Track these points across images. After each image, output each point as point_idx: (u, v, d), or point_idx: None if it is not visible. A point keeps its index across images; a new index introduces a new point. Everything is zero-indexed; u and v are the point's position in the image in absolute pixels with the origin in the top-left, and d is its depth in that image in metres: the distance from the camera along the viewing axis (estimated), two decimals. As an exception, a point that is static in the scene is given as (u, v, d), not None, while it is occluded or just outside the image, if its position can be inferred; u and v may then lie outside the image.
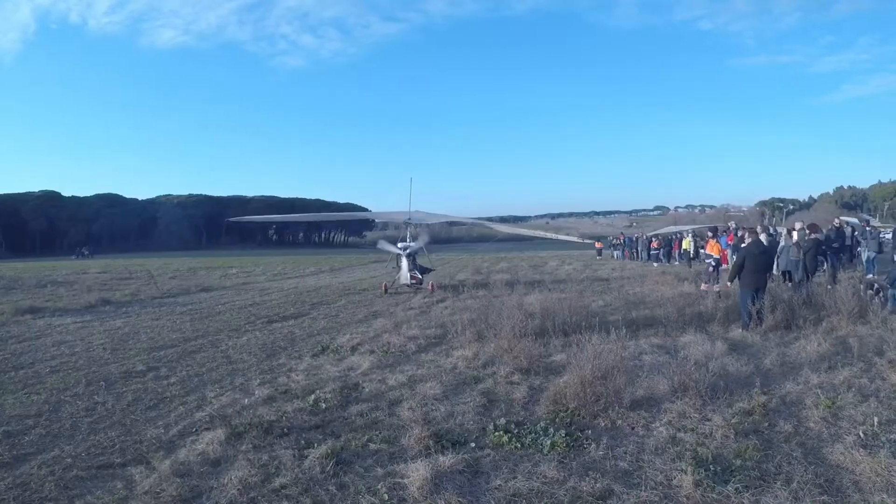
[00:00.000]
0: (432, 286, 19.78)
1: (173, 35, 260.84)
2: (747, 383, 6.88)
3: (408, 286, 19.70)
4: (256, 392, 7.66)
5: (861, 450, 4.85)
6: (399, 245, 20.56)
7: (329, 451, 5.28)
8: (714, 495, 4.24)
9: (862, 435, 5.20)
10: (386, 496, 4.46)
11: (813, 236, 13.22)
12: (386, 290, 20.02)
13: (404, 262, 19.59)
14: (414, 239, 20.92)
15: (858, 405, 6.05)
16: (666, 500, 4.28)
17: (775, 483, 4.40)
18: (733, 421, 5.68)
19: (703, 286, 15.02)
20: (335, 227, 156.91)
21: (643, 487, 4.44)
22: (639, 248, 39.38)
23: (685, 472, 4.51)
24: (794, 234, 14.79)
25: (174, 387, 8.24)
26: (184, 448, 5.69)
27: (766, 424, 5.68)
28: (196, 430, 6.23)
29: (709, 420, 5.77)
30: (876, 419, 5.50)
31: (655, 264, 32.81)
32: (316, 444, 5.51)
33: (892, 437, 5.16)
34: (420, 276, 19.70)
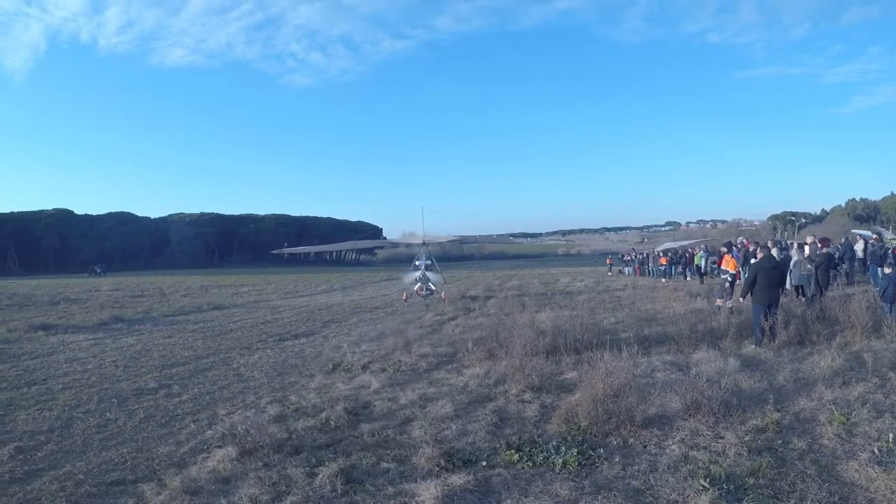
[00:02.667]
0: (444, 296, 22.00)
1: (183, 54, 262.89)
2: (760, 400, 6.81)
3: (423, 296, 21.88)
4: (267, 410, 7.70)
5: (876, 466, 4.80)
6: (416, 263, 23.43)
7: (340, 469, 5.28)
8: (728, 513, 4.21)
9: (877, 451, 5.13)
10: (397, 515, 4.45)
11: (824, 250, 13.13)
12: (406, 300, 22.40)
13: (418, 275, 22.36)
14: (428, 258, 23.39)
15: (873, 421, 5.97)
16: (679, 519, 4.25)
17: (789, 501, 4.37)
18: (746, 438, 5.63)
19: (717, 302, 14.92)
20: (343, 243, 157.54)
21: (656, 506, 4.42)
22: (649, 265, 39.20)
23: (698, 490, 4.49)
24: (806, 249, 14.72)
25: (186, 404, 8.33)
26: (195, 465, 5.74)
27: (780, 442, 5.62)
28: (207, 448, 6.28)
29: (722, 438, 5.71)
30: (891, 435, 5.43)
31: (664, 280, 32.66)
32: (327, 463, 5.51)
33: (907, 453, 5.09)
34: (433, 288, 22.13)
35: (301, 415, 7.38)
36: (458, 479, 4.95)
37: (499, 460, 5.50)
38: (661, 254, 37.90)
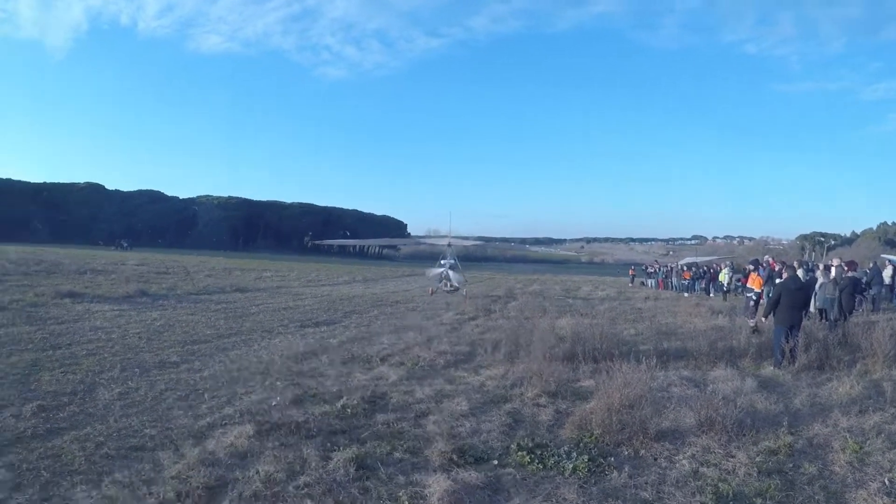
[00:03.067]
0: (466, 293, 23.48)
1: (219, 41, 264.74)
2: (775, 422, 6.80)
3: (446, 291, 23.94)
4: (286, 392, 7.81)
5: (885, 497, 4.82)
6: (441, 262, 25.05)
7: (354, 455, 5.39)
8: (733, 532, 4.26)
9: (887, 482, 5.13)
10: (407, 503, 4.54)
11: (850, 274, 13.00)
12: (432, 293, 25.03)
13: (447, 273, 23.94)
14: (453, 258, 25.13)
15: (887, 452, 5.94)
16: (684, 533, 4.31)
17: (795, 524, 4.40)
18: (757, 459, 5.65)
19: (748, 321, 14.78)
20: (371, 238, 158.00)
21: (662, 518, 4.47)
22: (672, 278, 38.97)
23: (705, 507, 4.53)
24: (832, 271, 14.59)
25: (206, 380, 8.49)
26: (212, 439, 5.90)
27: (791, 465, 5.62)
28: (225, 424, 6.41)
29: (733, 457, 5.74)
30: (903, 467, 5.44)
31: (686, 294, 32.52)
32: (341, 448, 5.63)
33: (918, 486, 5.09)
34: (457, 285, 23.83)
35: (318, 400, 7.50)
36: (468, 474, 5.05)
37: (510, 460, 5.58)
38: (685, 268, 37.69)
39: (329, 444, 5.79)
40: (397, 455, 5.62)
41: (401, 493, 4.73)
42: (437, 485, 4.79)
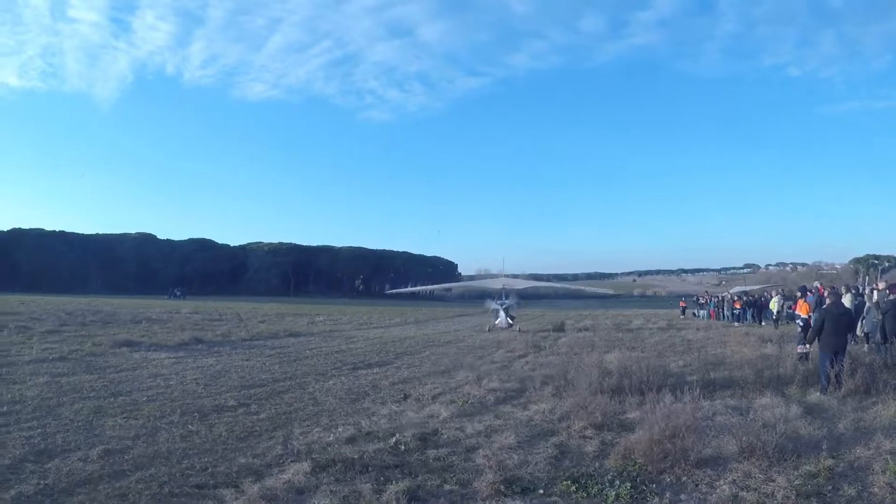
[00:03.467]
0: (519, 329, 27.65)
1: (263, 89, 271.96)
2: (817, 447, 6.89)
3: (503, 328, 28.15)
4: (340, 431, 8.16)
5: (921, 515, 4.96)
6: (497, 302, 30.28)
7: (406, 487, 5.70)
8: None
9: (925, 502, 5.28)
10: (458, 532, 4.86)
11: (892, 297, 12.90)
12: (489, 330, 28.36)
13: (502, 313, 29.06)
14: (507, 297, 30.48)
15: (928, 473, 6.07)
16: (722, 553, 4.53)
17: (830, 543, 4.59)
18: (797, 483, 5.80)
19: (798, 348, 14.70)
20: (422, 281, 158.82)
21: (701, 539, 4.71)
22: (723, 308, 38.47)
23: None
24: (875, 295, 14.48)
25: (263, 422, 8.83)
26: (271, 477, 6.20)
27: (830, 487, 5.78)
28: (282, 462, 6.75)
29: (773, 481, 5.90)
30: (943, 489, 5.56)
31: (736, 324, 32.13)
32: (394, 482, 5.93)
33: (955, 506, 5.22)
34: (511, 322, 28.63)
35: (372, 438, 7.80)
36: (516, 503, 5.34)
37: (555, 489, 5.85)
38: (736, 297, 37.23)
39: (382, 479, 6.08)
40: (448, 487, 5.92)
41: (452, 523, 5.02)
42: (485, 513, 5.09)
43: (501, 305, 29.52)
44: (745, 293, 39.15)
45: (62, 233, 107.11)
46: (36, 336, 18.65)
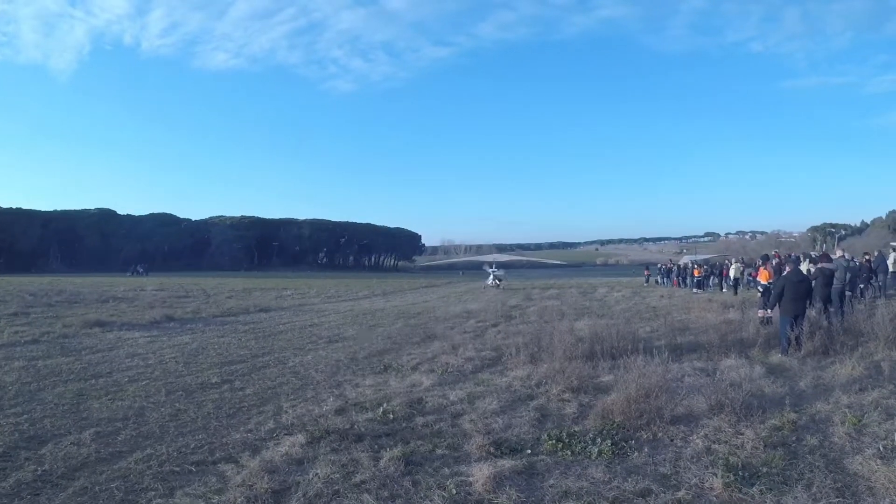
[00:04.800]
0: (503, 287, 41.64)
1: (225, 58, 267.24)
2: (781, 403, 7.37)
3: (493, 287, 42.96)
4: (329, 403, 8.38)
5: (879, 461, 5.41)
6: (491, 270, 48.11)
7: (401, 454, 5.97)
8: (741, 495, 4.88)
9: (881, 448, 5.76)
10: (454, 491, 5.14)
11: (821, 265, 13.54)
12: (484, 289, 42.15)
13: (490, 278, 45.68)
14: (493, 266, 50.58)
15: (882, 423, 6.57)
16: (699, 499, 4.92)
17: (797, 487, 5.00)
18: (763, 435, 6.27)
19: (759, 313, 15.28)
20: (385, 251, 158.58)
21: (679, 488, 5.09)
22: (685, 276, 39.33)
23: (717, 476, 5.16)
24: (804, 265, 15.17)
25: (250, 398, 8.94)
26: (267, 450, 6.35)
27: (794, 438, 6.28)
28: (277, 435, 6.93)
29: (741, 434, 6.35)
30: (896, 435, 6.06)
31: (696, 291, 33.08)
32: (388, 448, 6.20)
33: (908, 450, 5.71)
34: (498, 283, 44.27)
35: (360, 408, 8.02)
36: (506, 463, 5.67)
37: (542, 449, 6.20)
38: (696, 265, 38.13)
39: (376, 446, 6.33)
40: (439, 451, 6.21)
41: (448, 483, 5.29)
42: (479, 472, 5.40)
43: (493, 273, 46.78)
44: (706, 261, 40.13)
45: (19, 210, 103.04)
46: (3, 319, 18.36)
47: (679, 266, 43.94)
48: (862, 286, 18.68)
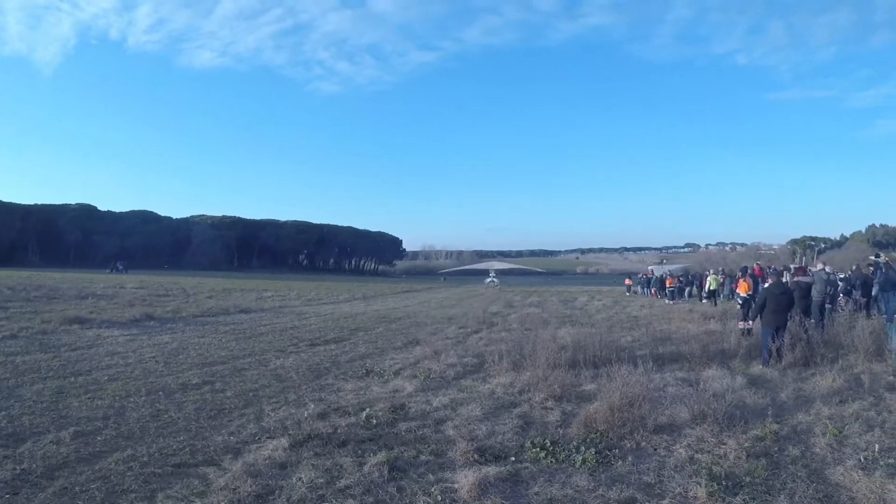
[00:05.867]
0: (500, 289, 46.57)
1: (211, 57, 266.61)
2: (762, 414, 7.46)
3: (493, 288, 57.41)
4: (311, 407, 8.27)
5: (860, 471, 5.47)
6: (491, 274, 74.15)
7: (385, 459, 5.91)
8: (725, 504, 4.92)
9: (862, 459, 5.83)
10: (439, 497, 5.11)
11: (797, 279, 13.75)
12: (486, 288, 57.13)
13: (488, 280, 71.08)
14: (493, 273, 74.65)
15: (863, 434, 6.67)
16: (683, 508, 4.96)
17: (779, 496, 5.04)
18: (746, 445, 6.30)
19: (740, 324, 15.40)
20: (366, 255, 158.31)
21: (664, 497, 5.10)
22: (659, 286, 39.44)
23: (700, 485, 5.18)
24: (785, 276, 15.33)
25: (231, 400, 8.84)
26: (250, 453, 6.28)
27: (776, 449, 6.32)
28: (259, 439, 6.85)
29: (724, 444, 6.39)
30: (877, 446, 6.13)
31: (668, 301, 33.21)
32: (372, 454, 6.16)
33: (890, 461, 5.78)
34: (496, 283, 66.38)
35: (342, 413, 7.96)
36: (491, 469, 5.64)
37: (526, 456, 6.18)
38: (670, 275, 38.37)
39: (360, 451, 6.29)
40: (423, 457, 6.17)
41: (433, 489, 5.26)
42: (464, 479, 5.37)
43: (492, 276, 70.95)
44: (685, 271, 40.43)
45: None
46: (-20, 313, 18.12)
47: (655, 276, 44.21)
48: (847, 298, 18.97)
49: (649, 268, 56.28)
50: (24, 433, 6.90)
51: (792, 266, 17.89)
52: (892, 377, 9.61)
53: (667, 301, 32.94)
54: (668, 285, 36.00)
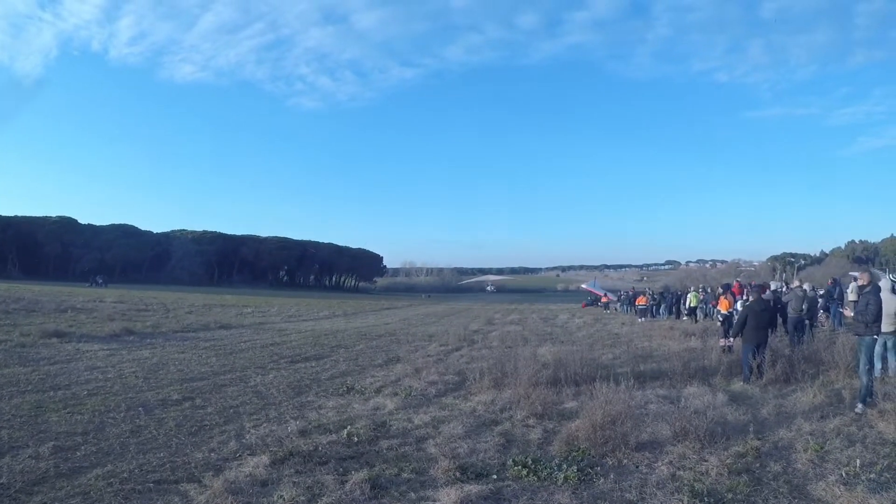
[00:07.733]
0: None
1: (192, 70, 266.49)
2: (744, 430, 7.48)
3: (493, 293, 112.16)
4: (292, 424, 8.22)
5: (841, 486, 5.48)
6: (489, 287, 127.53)
7: (366, 477, 5.85)
8: (707, 522, 4.91)
9: (844, 474, 5.83)
10: (422, 515, 5.10)
11: (763, 296, 13.99)
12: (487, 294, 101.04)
13: (489, 288, 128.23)
14: (492, 286, 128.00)
15: (845, 450, 6.68)
16: (665, 526, 4.93)
17: (762, 514, 5.04)
18: (728, 461, 6.28)
19: (720, 341, 15.47)
20: (347, 272, 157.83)
21: (646, 514, 5.09)
22: (629, 304, 39.55)
23: (683, 502, 5.18)
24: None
25: (212, 416, 8.75)
26: (231, 470, 6.21)
27: (758, 465, 6.31)
28: (240, 456, 6.76)
29: (706, 461, 6.38)
30: (858, 461, 6.14)
31: (640, 319, 33.16)
32: (354, 471, 6.09)
33: (871, 476, 5.79)
34: (495, 290, 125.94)
35: (323, 431, 7.89)
36: (473, 487, 5.60)
37: (508, 474, 6.14)
38: (641, 293, 38.52)
39: (342, 469, 6.23)
40: (405, 475, 6.11)
41: (415, 506, 5.25)
42: (446, 497, 5.34)
43: (490, 287, 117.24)
44: (666, 288, 40.63)
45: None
46: (-42, 326, 17.85)
47: (628, 294, 44.42)
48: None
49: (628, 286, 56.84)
50: (3, 447, 6.83)
51: (796, 281, 18.01)
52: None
53: (640, 320, 32.92)
54: (638, 303, 36.10)
